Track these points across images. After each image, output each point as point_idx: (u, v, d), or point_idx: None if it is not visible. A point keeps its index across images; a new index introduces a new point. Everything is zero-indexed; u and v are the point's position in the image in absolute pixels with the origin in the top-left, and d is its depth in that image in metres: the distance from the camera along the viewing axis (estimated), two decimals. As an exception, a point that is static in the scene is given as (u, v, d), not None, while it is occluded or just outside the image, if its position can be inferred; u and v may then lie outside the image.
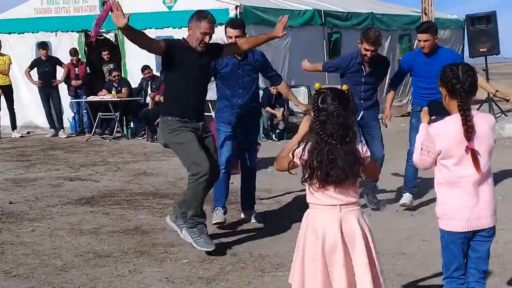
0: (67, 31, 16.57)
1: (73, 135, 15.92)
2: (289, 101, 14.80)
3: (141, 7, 15.43)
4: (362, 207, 4.76)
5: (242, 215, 7.42)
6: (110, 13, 5.79)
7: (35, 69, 15.71)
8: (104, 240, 6.78)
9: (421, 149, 3.97)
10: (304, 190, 3.89)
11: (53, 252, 6.41)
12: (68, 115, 16.31)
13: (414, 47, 19.63)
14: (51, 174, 10.65)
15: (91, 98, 15.37)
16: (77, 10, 16.50)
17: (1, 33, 16.91)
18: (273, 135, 14.35)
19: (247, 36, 7.13)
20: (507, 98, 7.97)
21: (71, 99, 16.07)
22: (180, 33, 14.55)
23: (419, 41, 7.54)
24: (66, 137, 15.55)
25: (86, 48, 16.45)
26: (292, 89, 15.07)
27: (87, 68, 16.20)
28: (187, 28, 6.27)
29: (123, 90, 14.96)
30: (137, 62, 15.05)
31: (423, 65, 7.55)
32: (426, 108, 4.16)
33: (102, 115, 15.29)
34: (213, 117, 7.67)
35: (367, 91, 7.65)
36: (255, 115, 7.35)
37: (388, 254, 5.98)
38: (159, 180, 9.95)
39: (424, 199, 8.04)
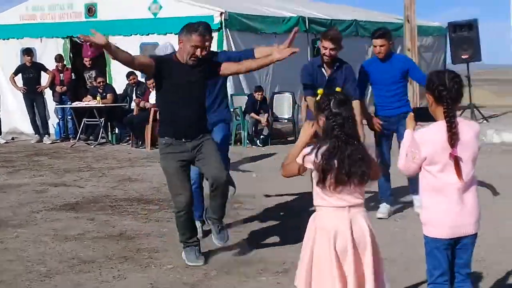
0: (52, 37, 16.57)
1: (58, 141, 15.87)
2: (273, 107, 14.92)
3: (126, 13, 15.47)
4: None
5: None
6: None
7: (20, 75, 15.67)
8: (89, 246, 6.78)
9: (406, 155, 4.00)
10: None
11: (37, 258, 6.40)
12: (53, 121, 16.26)
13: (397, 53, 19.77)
14: (35, 180, 10.62)
15: (76, 104, 15.34)
16: (62, 17, 16.52)
17: (-14, 39, 16.91)
18: (258, 141, 14.38)
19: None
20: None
21: (56, 105, 16.03)
22: (165, 40, 14.61)
23: (375, 46, 7.58)
24: (50, 143, 15.51)
25: (71, 55, 16.45)
26: (276, 95, 15.26)
27: (72, 74, 16.18)
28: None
29: (108, 96, 14.95)
30: (122, 68, 14.95)
31: (379, 73, 7.60)
32: (412, 114, 4.20)
33: (87, 121, 15.27)
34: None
35: None
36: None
37: (370, 259, 6.01)
38: (144, 186, 9.95)
39: (406, 204, 8.09)
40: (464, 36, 15.94)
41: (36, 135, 15.83)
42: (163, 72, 5.87)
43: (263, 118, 14.32)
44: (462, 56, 15.92)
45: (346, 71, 7.33)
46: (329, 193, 3.84)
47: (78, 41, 15.34)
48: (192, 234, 6.19)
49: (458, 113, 4.13)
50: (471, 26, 16.08)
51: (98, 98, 14.89)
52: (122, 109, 15.27)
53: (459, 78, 4.00)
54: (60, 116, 16.08)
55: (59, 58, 15.82)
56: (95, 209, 8.43)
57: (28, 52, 15.61)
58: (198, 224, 6.84)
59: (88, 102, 15.11)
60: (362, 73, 7.75)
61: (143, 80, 14.98)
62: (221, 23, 14.33)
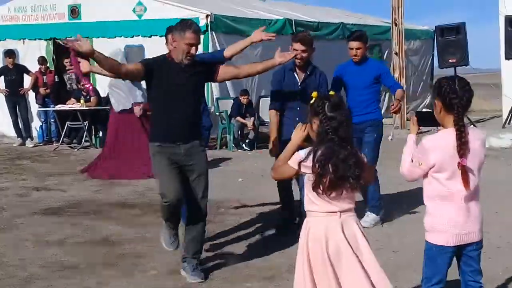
0: (35, 39, 16.43)
1: (41, 144, 15.71)
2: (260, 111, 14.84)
3: (111, 15, 15.36)
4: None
5: None
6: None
7: (2, 77, 15.51)
8: (71, 251, 6.67)
9: (412, 160, 3.98)
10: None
11: (19, 263, 6.29)
12: (35, 124, 16.13)
13: (385, 57, 19.78)
14: (17, 184, 10.50)
15: (60, 107, 15.19)
16: (45, 18, 16.38)
17: (-32, 40, 16.72)
18: (244, 145, 14.30)
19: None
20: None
21: (39, 107, 15.89)
22: (150, 42, 14.55)
23: (351, 49, 7.45)
24: (33, 146, 15.35)
25: (54, 57, 16.30)
26: (262, 99, 15.18)
27: (56, 76, 16.03)
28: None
29: (92, 99, 14.80)
30: (106, 70, 14.93)
31: (352, 76, 7.49)
32: (415, 118, 4.17)
33: (70, 124, 15.12)
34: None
35: (304, 107, 6.62)
36: None
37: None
38: (128, 190, 9.85)
39: (394, 210, 8.02)
40: (451, 40, 15.93)
41: (19, 138, 15.68)
42: (155, 74, 5.62)
43: (249, 122, 14.25)
44: (449, 60, 15.91)
45: (321, 78, 7.16)
46: (323, 198, 3.80)
47: (61, 44, 15.19)
48: (173, 224, 5.89)
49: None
50: (458, 29, 16.08)
51: (81, 101, 14.75)
52: (106, 112, 15.09)
53: (469, 86, 3.98)
54: (43, 119, 15.94)
55: (42, 60, 15.68)
56: (77, 214, 8.32)
57: (10, 54, 15.43)
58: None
59: (71, 105, 14.96)
60: (336, 76, 7.63)
61: (127, 83, 14.82)
62: (206, 25, 14.25)
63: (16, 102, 15.50)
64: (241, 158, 12.91)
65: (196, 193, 5.75)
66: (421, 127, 4.16)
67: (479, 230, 4.04)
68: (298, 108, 6.94)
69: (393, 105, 7.54)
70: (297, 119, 6.49)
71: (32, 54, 16.13)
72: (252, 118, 14.31)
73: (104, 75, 6.50)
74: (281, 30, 16.07)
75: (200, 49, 11.60)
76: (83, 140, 14.94)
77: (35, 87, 15.63)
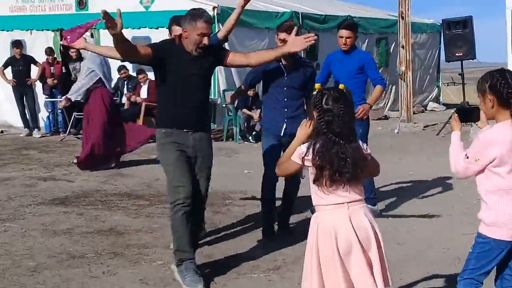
0: (42, 30, 16.45)
1: (48, 134, 15.74)
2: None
3: (118, 6, 15.25)
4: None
5: None
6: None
7: (9, 67, 15.54)
8: (78, 241, 6.70)
9: (467, 157, 3.93)
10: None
11: (26, 252, 6.32)
12: (42, 114, 16.15)
13: (391, 50, 19.76)
14: (24, 174, 10.52)
15: (67, 97, 15.18)
16: (53, 9, 16.39)
17: (-25, 31, 16.77)
18: (250, 137, 14.31)
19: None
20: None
21: (46, 98, 15.92)
22: (157, 33, 14.55)
23: (341, 37, 7.40)
24: (40, 137, 15.39)
25: (61, 47, 16.30)
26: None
27: (63, 67, 16.05)
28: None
29: (99, 90, 14.80)
30: (112, 62, 14.92)
31: (338, 65, 7.46)
32: (457, 115, 4.14)
33: (77, 115, 15.12)
34: None
35: (290, 99, 6.67)
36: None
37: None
38: (134, 181, 9.87)
39: (398, 202, 8.04)
40: (458, 34, 15.88)
41: (26, 128, 15.71)
42: (166, 61, 5.45)
43: (255, 114, 14.25)
44: (456, 54, 15.86)
45: (312, 76, 6.84)
46: (326, 191, 3.79)
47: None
48: (187, 247, 5.50)
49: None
50: (465, 23, 16.02)
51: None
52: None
53: None
54: (50, 110, 15.97)
55: (49, 51, 15.69)
56: (84, 204, 8.34)
57: (17, 44, 15.46)
58: None
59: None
60: (324, 64, 7.68)
61: (134, 74, 14.86)
62: (213, 17, 14.24)
63: (24, 92, 15.53)
64: (247, 150, 12.93)
65: (197, 190, 5.58)
66: (462, 124, 4.10)
67: None
68: (285, 101, 6.70)
69: (358, 110, 7.06)
70: (284, 109, 6.64)
71: (39, 44, 16.16)
72: (259, 110, 14.29)
73: (97, 53, 6.31)
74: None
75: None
76: (89, 131, 14.95)
77: (42, 77, 15.65)
